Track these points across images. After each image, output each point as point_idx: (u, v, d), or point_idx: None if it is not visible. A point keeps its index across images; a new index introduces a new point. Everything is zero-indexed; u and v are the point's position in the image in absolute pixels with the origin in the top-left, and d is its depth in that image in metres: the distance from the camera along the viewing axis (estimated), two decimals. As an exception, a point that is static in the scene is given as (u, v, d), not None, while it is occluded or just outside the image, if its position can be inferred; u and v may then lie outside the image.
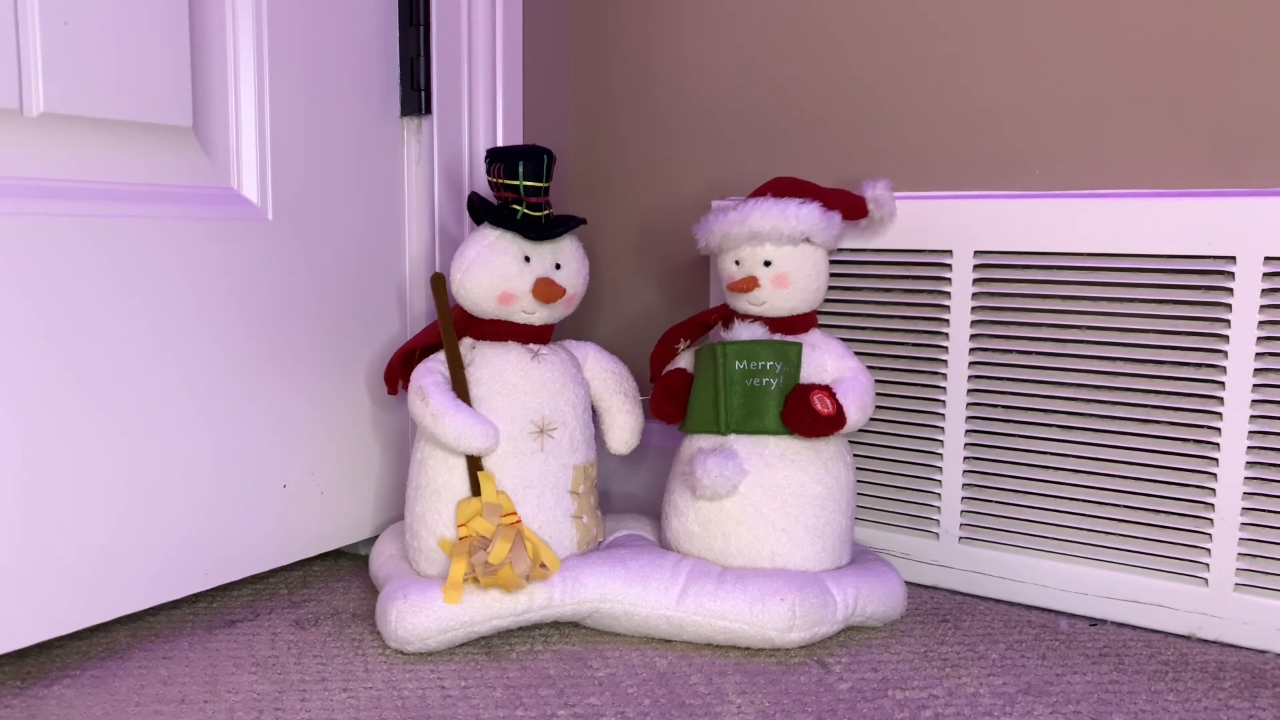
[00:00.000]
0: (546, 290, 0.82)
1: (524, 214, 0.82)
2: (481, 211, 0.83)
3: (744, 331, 0.83)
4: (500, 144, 1.01)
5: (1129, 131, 0.86)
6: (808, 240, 0.83)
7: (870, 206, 0.88)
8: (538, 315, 0.84)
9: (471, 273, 0.82)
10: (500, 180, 0.82)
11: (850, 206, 0.87)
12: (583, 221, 0.86)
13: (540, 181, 0.81)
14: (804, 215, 0.82)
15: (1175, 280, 0.80)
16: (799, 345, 0.83)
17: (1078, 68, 0.87)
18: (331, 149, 0.89)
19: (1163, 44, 0.84)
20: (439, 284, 0.84)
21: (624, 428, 0.90)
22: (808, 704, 0.69)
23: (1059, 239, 0.84)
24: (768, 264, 0.83)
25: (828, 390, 0.81)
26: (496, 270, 0.81)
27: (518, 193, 0.81)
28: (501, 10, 1.00)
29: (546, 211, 0.83)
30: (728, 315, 0.87)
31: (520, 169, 0.81)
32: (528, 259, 0.82)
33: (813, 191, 0.85)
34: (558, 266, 0.84)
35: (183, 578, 0.79)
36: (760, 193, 0.85)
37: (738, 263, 0.84)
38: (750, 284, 0.83)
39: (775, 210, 0.82)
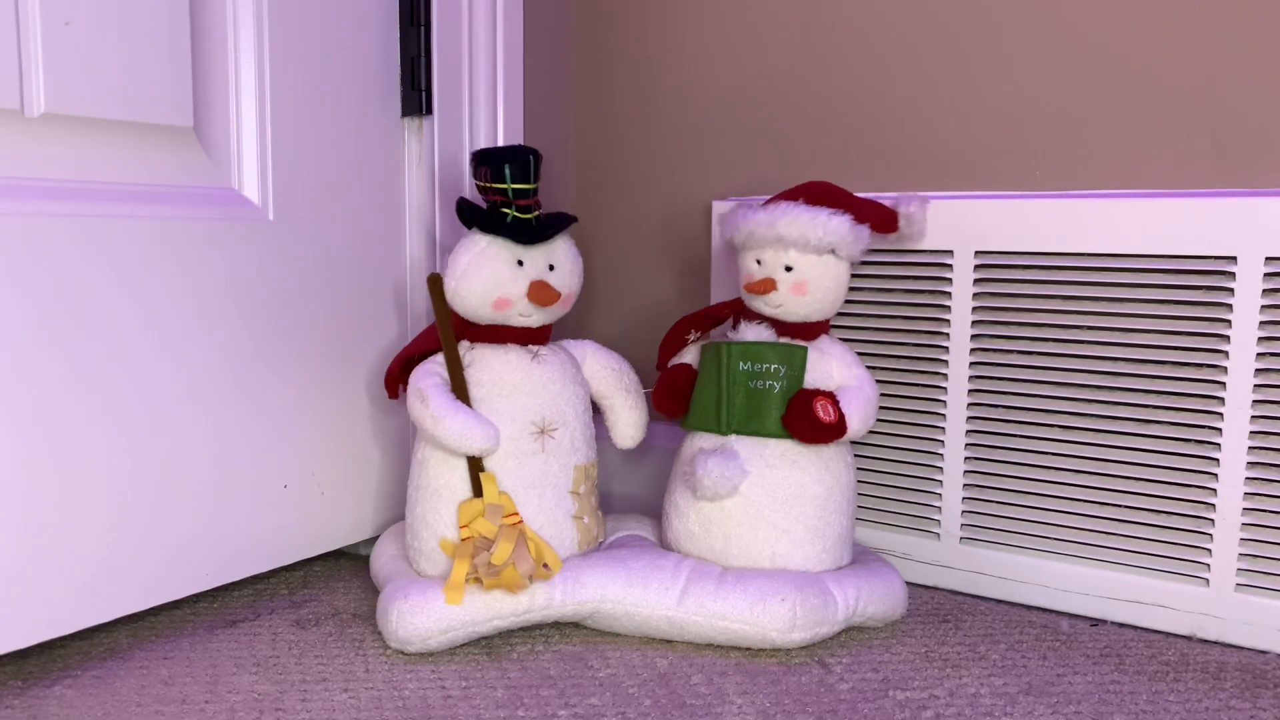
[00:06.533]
0: (541, 294, 0.81)
1: (514, 217, 0.81)
2: (471, 216, 0.82)
3: (750, 332, 0.83)
4: (502, 144, 1.00)
5: (1129, 131, 0.86)
6: (833, 252, 0.81)
7: (902, 223, 0.86)
8: (534, 318, 0.83)
9: (465, 281, 0.81)
10: (488, 184, 0.81)
11: (881, 220, 0.85)
12: (573, 220, 0.85)
13: (528, 183, 0.81)
14: (833, 227, 0.80)
15: (1176, 280, 0.80)
16: (804, 349, 0.83)
17: (1078, 68, 0.87)
18: (332, 149, 0.89)
19: (1163, 44, 0.84)
20: (436, 285, 0.83)
21: (629, 422, 0.89)
22: (808, 704, 0.69)
23: (1059, 239, 0.84)
24: (789, 269, 0.81)
25: (831, 397, 0.81)
26: (490, 277, 0.81)
27: (506, 196, 0.80)
28: (502, 10, 1.00)
29: (536, 213, 0.82)
30: (740, 311, 0.86)
31: (507, 172, 0.80)
32: (520, 263, 0.81)
33: (846, 202, 0.83)
34: (551, 268, 0.83)
35: (184, 578, 0.79)
36: (793, 196, 0.83)
37: (759, 262, 0.83)
38: (768, 286, 0.82)
39: (806, 218, 0.80)
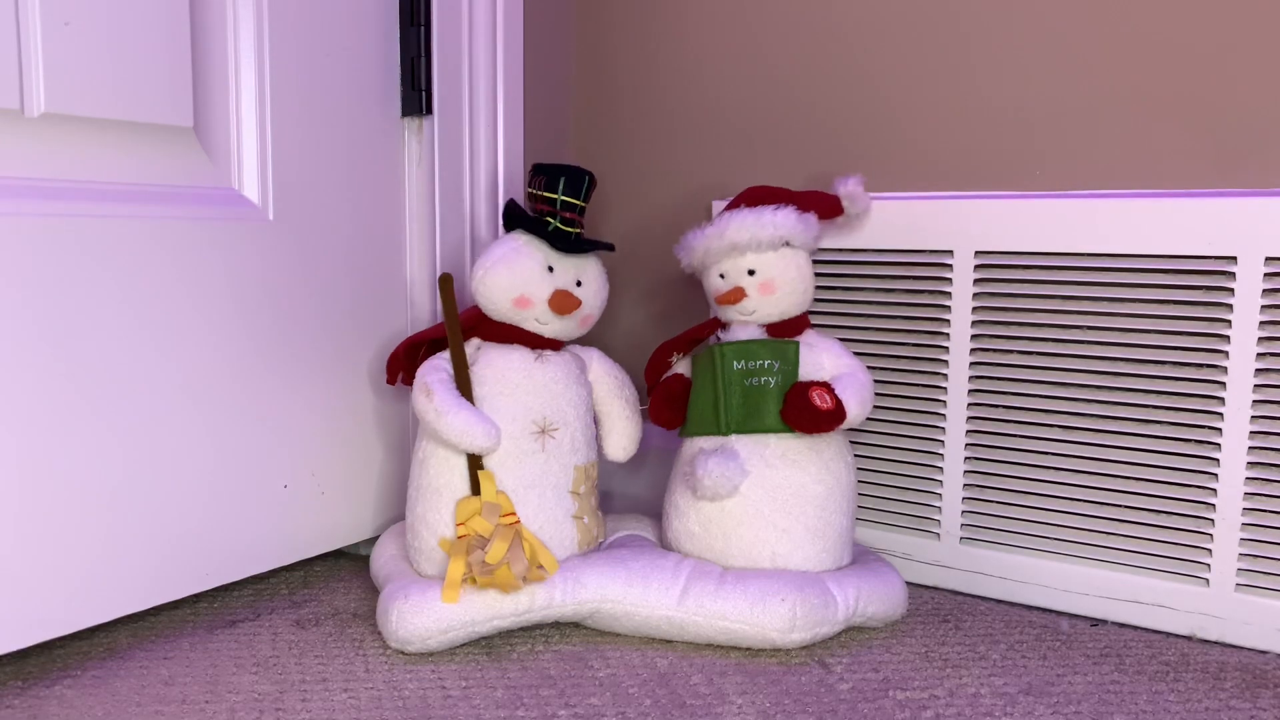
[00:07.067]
0: (563, 302, 0.83)
1: (556, 227, 0.84)
2: (515, 218, 0.86)
3: (741, 332, 0.84)
4: (501, 144, 1.01)
5: (1130, 131, 0.86)
6: (787, 244, 0.84)
7: (845, 204, 0.89)
8: (550, 327, 0.84)
9: (494, 271, 0.83)
10: (540, 192, 0.84)
11: (825, 206, 0.88)
12: (610, 247, 0.88)
13: (578, 199, 0.84)
14: (780, 220, 0.83)
15: (1176, 280, 0.80)
16: (796, 344, 0.83)
17: (1079, 68, 0.87)
18: (332, 149, 0.89)
19: (1163, 44, 0.84)
20: (447, 284, 0.84)
21: (623, 434, 0.90)
22: (809, 704, 0.69)
23: (1059, 239, 0.84)
24: (751, 273, 0.83)
25: (826, 386, 0.82)
26: (518, 273, 0.83)
27: (554, 206, 0.84)
28: (502, 10, 1.00)
29: (578, 230, 0.85)
30: (720, 328, 0.87)
31: (561, 184, 0.84)
32: (551, 269, 0.84)
33: (786, 196, 0.86)
34: (579, 284, 0.85)
35: (184, 578, 0.79)
36: (734, 204, 0.86)
37: (723, 276, 0.85)
38: (737, 295, 0.84)
39: (751, 219, 0.83)
